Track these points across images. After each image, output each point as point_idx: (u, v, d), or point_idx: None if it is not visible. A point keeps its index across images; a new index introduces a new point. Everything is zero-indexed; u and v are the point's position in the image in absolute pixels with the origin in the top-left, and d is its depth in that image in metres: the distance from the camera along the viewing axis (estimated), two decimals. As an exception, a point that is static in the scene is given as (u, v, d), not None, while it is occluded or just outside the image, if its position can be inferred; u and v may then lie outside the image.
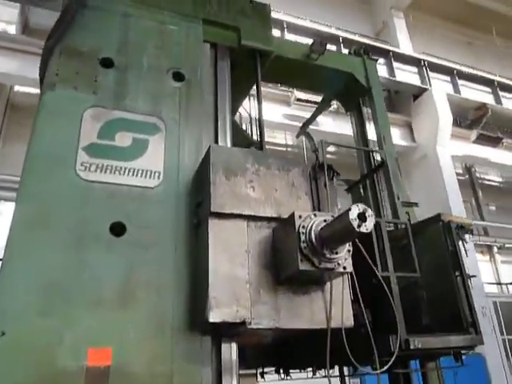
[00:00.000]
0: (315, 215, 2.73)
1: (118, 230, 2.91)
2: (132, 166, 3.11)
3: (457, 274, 3.62)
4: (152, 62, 3.53)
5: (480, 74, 13.89)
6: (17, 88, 9.40)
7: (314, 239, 2.61)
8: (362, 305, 3.09)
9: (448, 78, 13.27)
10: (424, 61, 12.79)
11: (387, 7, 14.25)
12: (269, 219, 2.98)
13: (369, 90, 5.15)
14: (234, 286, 2.72)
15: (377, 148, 4.97)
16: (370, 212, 2.40)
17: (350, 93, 5.34)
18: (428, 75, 12.52)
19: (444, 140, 12.33)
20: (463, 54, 14.66)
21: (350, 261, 2.73)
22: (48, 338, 2.51)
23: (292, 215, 2.74)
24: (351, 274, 3.07)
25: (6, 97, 9.13)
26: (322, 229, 2.63)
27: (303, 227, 2.66)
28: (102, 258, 2.80)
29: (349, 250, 2.71)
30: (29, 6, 8.92)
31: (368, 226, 2.37)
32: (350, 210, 2.38)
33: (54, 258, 2.71)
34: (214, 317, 2.60)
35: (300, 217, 2.71)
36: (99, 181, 2.99)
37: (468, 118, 14.02)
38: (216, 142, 3.54)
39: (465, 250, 3.63)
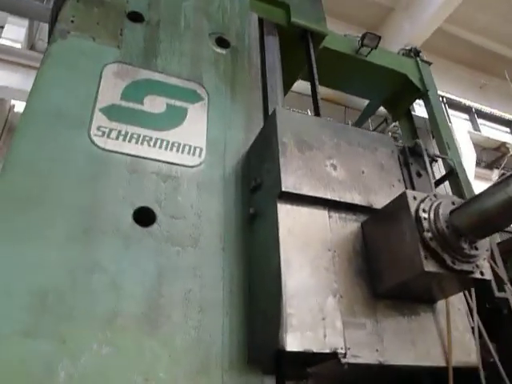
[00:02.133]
0: (435, 196, 1.86)
1: (144, 218, 2.03)
2: (165, 136, 2.26)
3: None
4: (191, 22, 2.78)
5: (499, 113, 13.45)
6: (17, 109, 8.70)
7: (444, 227, 1.73)
8: (486, 335, 2.15)
9: (467, 117, 12.78)
10: (443, 97, 12.32)
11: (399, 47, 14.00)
12: (357, 208, 2.11)
13: (425, 93, 4.41)
14: (319, 299, 1.80)
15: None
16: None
17: (402, 97, 4.61)
18: (447, 112, 11.99)
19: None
20: (476, 96, 14.30)
21: (487, 264, 1.84)
22: (35, 375, 1.56)
23: (403, 196, 1.88)
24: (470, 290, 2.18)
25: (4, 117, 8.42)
26: (454, 212, 1.75)
27: (424, 211, 1.78)
28: (121, 258, 1.90)
29: (487, 249, 1.82)
30: (38, 23, 8.43)
31: (546, 197, 1.51)
32: (514, 174, 1.53)
33: (51, 254, 1.80)
34: (293, 344, 1.66)
35: (415, 198, 1.85)
36: (121, 152, 2.14)
37: (482, 159, 13.43)
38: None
39: None
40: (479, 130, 12.81)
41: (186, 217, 2.10)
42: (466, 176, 3.83)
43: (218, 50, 2.77)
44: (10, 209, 1.82)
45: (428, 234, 1.72)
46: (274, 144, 2.08)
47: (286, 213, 1.94)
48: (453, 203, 1.81)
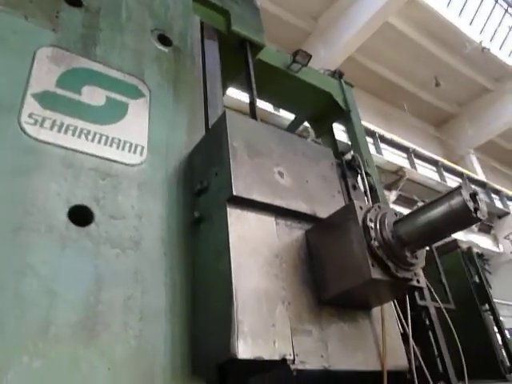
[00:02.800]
0: (379, 207, 1.96)
1: (80, 218, 1.86)
2: (105, 131, 2.11)
3: (484, 308, 2.99)
4: (133, 14, 2.65)
5: (398, 139, 14.72)
6: None
7: (390, 236, 1.82)
8: (412, 340, 2.29)
9: (371, 140, 13.78)
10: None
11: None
12: (302, 216, 2.14)
13: (347, 113, 4.67)
14: (269, 306, 1.79)
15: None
16: (479, 194, 1.70)
17: (326, 115, 4.83)
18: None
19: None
20: (380, 123, 15.51)
21: (421, 272, 1.97)
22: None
23: (350, 205, 1.94)
24: (397, 300, 2.31)
25: None
26: (399, 222, 1.85)
27: (371, 220, 1.86)
28: (55, 260, 1.71)
29: (423, 258, 1.95)
30: None
31: (483, 211, 1.66)
32: (459, 188, 1.66)
33: (-31, 254, 1.57)
34: (245, 352, 1.62)
35: (361, 208, 1.92)
36: (56, 143, 1.95)
37: (381, 180, 14.57)
38: (207, 128, 2.66)
39: (487, 282, 3.05)
40: (381, 154, 13.91)
41: (125, 217, 1.96)
42: (383, 193, 4.11)
43: (161, 47, 2.67)
44: None
45: (375, 243, 1.79)
46: (223, 147, 2.04)
47: (236, 218, 1.90)
48: (395, 214, 1.92)
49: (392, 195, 13.50)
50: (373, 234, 1.82)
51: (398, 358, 2.11)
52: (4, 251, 1.62)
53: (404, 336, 2.27)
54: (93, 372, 1.58)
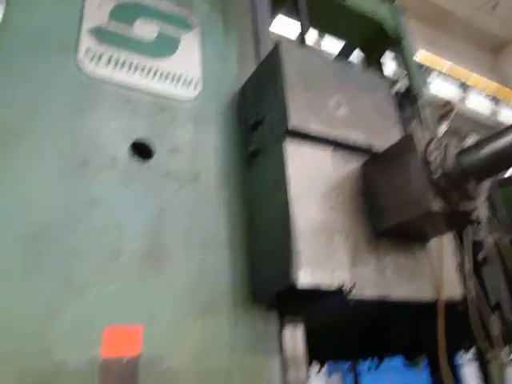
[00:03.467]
0: (440, 138, 1.89)
1: (141, 152, 1.90)
2: (159, 65, 2.10)
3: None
4: None
5: (449, 70, 13.85)
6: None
7: (452, 167, 1.76)
8: (469, 272, 2.28)
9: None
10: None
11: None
12: (358, 149, 2.09)
13: (399, 41, 4.41)
14: (327, 237, 1.81)
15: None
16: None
17: (376, 43, 4.58)
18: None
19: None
20: (429, 53, 14.59)
21: (482, 205, 1.91)
22: (40, 314, 1.47)
23: (409, 137, 1.88)
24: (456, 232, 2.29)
25: None
26: (463, 152, 1.78)
27: (431, 152, 1.80)
28: (120, 194, 1.78)
29: (487, 190, 1.89)
30: None
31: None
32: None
33: (45, 188, 1.65)
34: (304, 280, 1.67)
35: (421, 139, 1.86)
36: (112, 80, 1.96)
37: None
38: (258, 59, 2.58)
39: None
40: (430, 86, 13.22)
41: (184, 151, 2.00)
42: (436, 125, 3.95)
43: (207, -25, 2.55)
44: (-7, 139, 1.63)
45: (435, 175, 1.75)
46: (278, 79, 1.99)
47: (292, 151, 1.89)
48: (457, 145, 1.84)
49: (440, 129, 12.96)
50: (433, 166, 1.76)
51: (453, 288, 2.12)
52: (73, 185, 1.70)
53: (460, 268, 2.26)
54: (160, 298, 1.69)
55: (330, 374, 7.49)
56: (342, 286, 1.74)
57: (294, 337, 2.01)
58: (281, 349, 1.89)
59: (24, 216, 1.56)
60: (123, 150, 1.85)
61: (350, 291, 1.76)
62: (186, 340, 1.68)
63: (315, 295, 1.81)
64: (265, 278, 1.85)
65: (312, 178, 1.89)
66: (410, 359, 3.87)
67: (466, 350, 2.63)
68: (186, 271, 1.78)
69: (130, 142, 1.88)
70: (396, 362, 4.42)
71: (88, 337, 1.51)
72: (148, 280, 1.69)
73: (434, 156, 1.79)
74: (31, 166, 1.64)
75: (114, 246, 1.68)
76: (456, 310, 2.21)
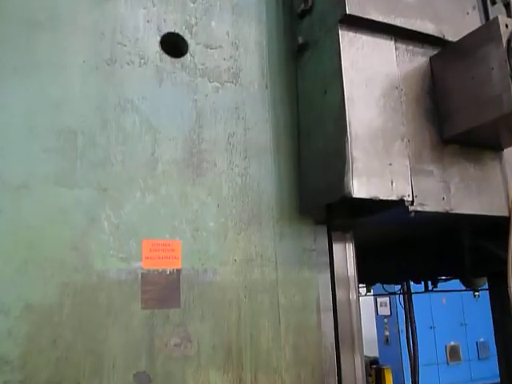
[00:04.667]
0: (532, 23, 1.73)
1: (174, 47, 1.85)
2: None
3: None
4: None
5: None
6: None
7: (543, 60, 1.63)
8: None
9: None
10: None
11: None
12: (426, 39, 1.97)
13: None
14: (386, 143, 1.77)
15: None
16: None
17: None
18: None
19: None
20: None
21: None
22: (79, 224, 1.55)
23: (493, 23, 1.74)
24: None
25: None
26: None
27: (520, 40, 1.66)
28: (153, 94, 1.77)
29: None
30: None
31: None
32: None
33: (74, 88, 1.65)
34: (360, 190, 1.66)
35: (507, 26, 1.71)
36: (138, -41, 1.86)
37: None
38: None
39: None
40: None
41: (221, 46, 1.93)
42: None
43: None
44: (15, 32, 1.62)
45: (523, 69, 1.63)
46: (333, -47, 1.84)
47: (348, 42, 1.79)
48: (553, 32, 1.69)
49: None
50: (521, 57, 1.64)
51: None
52: (101, 86, 1.69)
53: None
54: (203, 207, 1.73)
55: (377, 295, 7.78)
56: (402, 198, 1.73)
57: (345, 254, 2.07)
58: (331, 266, 1.94)
59: (55, 123, 1.58)
60: (153, 44, 1.81)
61: (412, 203, 1.75)
62: (229, 253, 1.74)
63: (371, 208, 1.81)
64: (314, 189, 1.85)
65: (371, 75, 1.81)
66: (468, 283, 3.95)
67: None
68: (228, 181, 1.81)
69: (161, 34, 1.82)
70: (452, 285, 4.55)
71: (128, 249, 1.59)
72: (187, 190, 1.73)
73: (522, 45, 1.66)
74: (57, 65, 1.63)
75: (149, 154, 1.70)
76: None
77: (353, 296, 2.05)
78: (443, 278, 3.97)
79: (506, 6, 2.72)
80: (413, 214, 1.75)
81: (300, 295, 1.84)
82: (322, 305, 1.88)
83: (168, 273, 1.63)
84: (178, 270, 1.64)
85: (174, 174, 1.72)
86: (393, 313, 9.13)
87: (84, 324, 1.47)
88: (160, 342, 1.56)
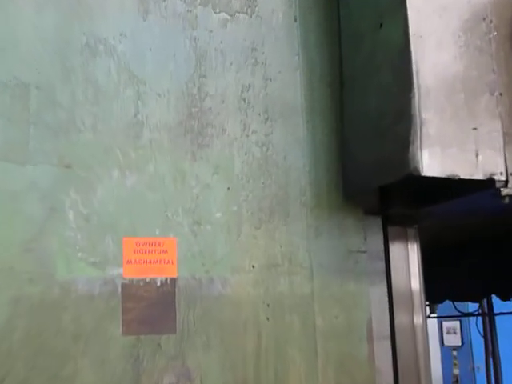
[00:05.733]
0: None
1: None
2: None
3: None
4: None
5: None
6: None
7: None
8: None
9: None
10: None
11: None
12: None
13: None
14: (469, 98, 1.76)
15: None
16: None
17: None
18: None
19: None
20: None
21: None
22: (32, 216, 1.55)
23: None
24: None
25: None
26: None
27: None
28: (136, 31, 1.79)
29: None
30: None
31: None
32: None
33: (24, 20, 1.65)
34: (432, 167, 1.66)
35: None
36: None
37: None
38: None
39: None
40: None
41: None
42: None
43: None
44: None
45: None
46: None
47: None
48: None
49: None
50: None
51: None
52: (61, 20, 1.69)
53: None
54: (207, 192, 1.74)
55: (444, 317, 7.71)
56: (492, 177, 1.73)
57: (407, 258, 2.08)
58: (387, 275, 1.95)
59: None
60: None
61: (505, 184, 1.74)
62: (244, 256, 1.76)
63: (445, 191, 1.81)
64: (363, 164, 1.86)
65: (447, 0, 1.81)
66: None
67: None
68: (241, 153, 1.83)
69: None
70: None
71: (102, 250, 1.60)
72: (184, 168, 1.74)
73: None
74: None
75: (131, 116, 1.71)
76: None
77: (418, 319, 2.08)
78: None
79: None
80: (507, 200, 1.75)
81: (344, 316, 1.88)
82: (374, 330, 1.91)
83: (159, 284, 1.64)
84: (173, 280, 1.66)
85: (165, 144, 1.74)
86: (465, 342, 9.13)
87: (42, 355, 1.49)
88: (149, 380, 1.57)
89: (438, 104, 1.71)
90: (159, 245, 1.66)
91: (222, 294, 1.71)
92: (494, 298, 4.58)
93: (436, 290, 3.80)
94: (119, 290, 1.59)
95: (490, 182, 1.73)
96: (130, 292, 1.61)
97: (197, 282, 1.68)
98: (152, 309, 1.63)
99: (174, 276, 1.66)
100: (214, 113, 1.81)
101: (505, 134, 1.78)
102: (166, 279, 1.65)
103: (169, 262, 1.66)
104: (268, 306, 1.75)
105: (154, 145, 1.72)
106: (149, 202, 1.68)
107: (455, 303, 5.36)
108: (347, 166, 1.92)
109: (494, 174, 1.73)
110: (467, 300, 5.07)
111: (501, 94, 1.81)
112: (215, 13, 1.88)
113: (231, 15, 1.90)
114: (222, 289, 1.71)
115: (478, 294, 4.50)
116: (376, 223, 1.97)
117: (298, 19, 1.99)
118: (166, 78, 1.78)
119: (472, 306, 5.11)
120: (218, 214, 1.75)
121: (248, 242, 1.77)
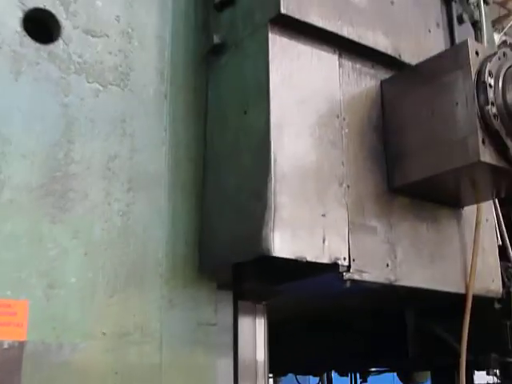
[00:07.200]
0: (505, 55, 2.01)
1: (41, 29, 1.91)
2: None
3: None
4: None
5: None
6: None
7: (516, 101, 1.90)
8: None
9: None
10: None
11: None
12: (379, 57, 2.19)
13: None
14: (320, 187, 1.92)
15: None
16: None
17: None
18: None
19: None
20: None
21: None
22: None
23: (462, 47, 2.00)
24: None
25: None
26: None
27: (490, 74, 1.91)
28: (6, 91, 1.80)
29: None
30: None
31: None
32: None
33: None
34: (282, 248, 1.78)
35: (478, 53, 1.97)
36: None
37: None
38: None
39: None
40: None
41: (108, 35, 2.01)
42: (492, 32, 4.09)
43: None
44: None
45: (492, 109, 1.87)
46: None
47: (280, 49, 1.95)
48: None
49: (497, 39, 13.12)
50: (491, 94, 1.88)
51: (489, 278, 2.33)
52: None
53: (502, 251, 2.47)
54: (64, 255, 1.76)
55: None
56: (336, 261, 1.87)
57: (254, 332, 2.17)
58: (234, 347, 2.03)
59: None
60: (12, 21, 1.84)
61: (348, 269, 1.89)
62: (96, 322, 1.77)
63: (294, 271, 1.94)
64: (220, 240, 1.96)
65: (306, 95, 1.97)
66: (407, 379, 4.21)
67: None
68: (102, 220, 1.86)
69: (25, 10, 1.86)
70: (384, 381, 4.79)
71: None
72: (43, 229, 1.75)
73: (493, 81, 1.90)
74: None
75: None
76: (490, 309, 2.44)
77: (261, 391, 2.15)
78: (375, 370, 4.19)
79: (474, 24, 3.09)
80: (348, 284, 1.90)
81: (193, 386, 1.90)
82: (219, 401, 1.95)
83: (6, 346, 1.61)
84: (22, 344, 1.64)
85: (25, 204, 1.74)
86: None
87: None
88: None
89: (292, 190, 1.85)
90: (9, 306, 1.65)
91: (70, 361, 1.70)
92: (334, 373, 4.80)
93: (281, 363, 3.92)
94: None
95: (334, 266, 1.88)
96: (-31, 355, 1.57)
97: (45, 347, 1.67)
98: (-6, 373, 1.60)
99: (23, 339, 1.64)
100: (78, 178, 1.83)
101: (350, 223, 1.95)
102: (14, 342, 1.62)
103: (18, 324, 1.64)
104: (116, 374, 1.76)
105: (14, 205, 1.71)
106: (1, 262, 1.67)
107: (297, 376, 5.55)
108: (205, 240, 2.00)
109: (338, 259, 1.89)
110: (308, 374, 5.27)
111: (348, 186, 1.99)
112: (88, 82, 1.93)
113: (104, 86, 1.96)
114: (71, 355, 1.70)
115: (319, 368, 4.69)
116: (227, 297, 2.05)
117: (168, 96, 2.07)
118: (32, 139, 1.79)
119: (314, 380, 5.32)
120: (73, 279, 1.76)
121: (101, 309, 1.78)
